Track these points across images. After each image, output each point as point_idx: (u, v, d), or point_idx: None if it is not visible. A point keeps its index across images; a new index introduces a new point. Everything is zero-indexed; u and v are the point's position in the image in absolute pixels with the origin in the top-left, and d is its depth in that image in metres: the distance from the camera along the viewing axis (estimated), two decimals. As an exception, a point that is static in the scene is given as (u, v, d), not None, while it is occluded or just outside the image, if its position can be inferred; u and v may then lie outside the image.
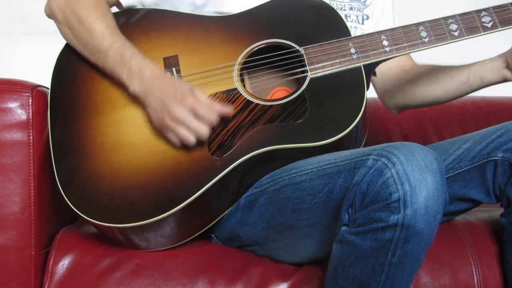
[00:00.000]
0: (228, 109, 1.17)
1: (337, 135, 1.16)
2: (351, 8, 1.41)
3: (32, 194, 1.18)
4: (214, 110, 1.16)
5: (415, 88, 1.43)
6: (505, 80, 1.31)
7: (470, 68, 1.33)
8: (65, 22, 1.26)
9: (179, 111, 1.14)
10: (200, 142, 1.17)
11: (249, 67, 1.27)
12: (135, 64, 1.19)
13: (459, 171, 1.26)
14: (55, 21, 1.29)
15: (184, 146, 1.18)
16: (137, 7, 1.32)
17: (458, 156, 1.27)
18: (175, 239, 1.23)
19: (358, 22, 1.41)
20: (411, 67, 1.47)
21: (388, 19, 1.47)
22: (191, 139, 1.15)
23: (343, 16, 1.28)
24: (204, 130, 1.15)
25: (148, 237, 1.19)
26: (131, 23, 1.28)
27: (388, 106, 1.55)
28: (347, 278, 1.06)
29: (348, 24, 1.27)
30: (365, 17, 1.42)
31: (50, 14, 1.29)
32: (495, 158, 1.22)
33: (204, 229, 1.25)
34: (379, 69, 1.46)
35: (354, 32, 1.27)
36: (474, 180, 1.26)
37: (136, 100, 1.21)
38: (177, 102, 1.14)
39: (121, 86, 1.23)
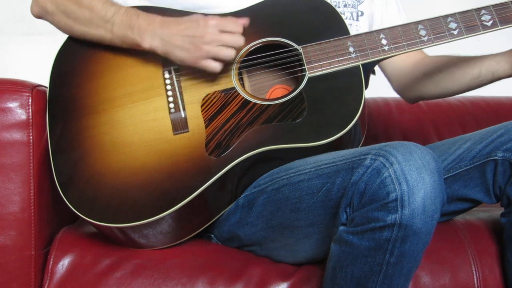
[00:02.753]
0: (245, 20, 1.20)
1: (335, 135, 1.16)
2: (345, 5, 1.40)
3: (32, 194, 1.18)
4: (236, 21, 1.18)
5: (429, 83, 1.43)
6: None
7: (481, 63, 1.33)
8: (60, 11, 1.26)
9: (211, 33, 1.16)
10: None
11: (248, 65, 1.27)
12: (142, 22, 1.20)
13: (459, 171, 1.26)
14: (46, 16, 1.29)
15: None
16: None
17: (458, 156, 1.27)
18: (175, 237, 1.23)
19: (353, 19, 1.41)
20: (423, 58, 1.47)
21: (393, 8, 1.47)
22: (232, 52, 1.18)
23: (336, 9, 1.28)
24: (239, 39, 1.18)
25: (147, 236, 1.19)
26: None
27: (404, 98, 1.55)
28: (345, 278, 1.06)
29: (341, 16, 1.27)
30: (359, 13, 1.42)
31: (40, 10, 1.29)
32: (495, 157, 1.22)
33: (203, 227, 1.25)
34: (391, 65, 1.47)
35: (349, 29, 1.26)
36: (474, 180, 1.25)
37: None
38: (203, 27, 1.16)
39: (120, 84, 1.23)
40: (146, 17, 1.21)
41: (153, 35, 1.19)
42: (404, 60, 1.46)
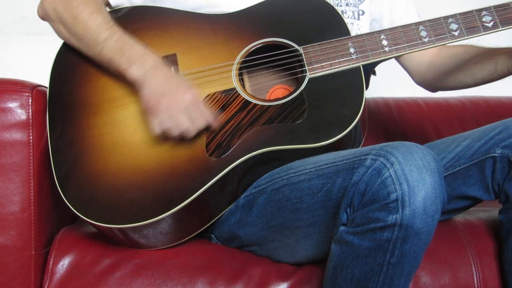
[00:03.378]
0: (215, 123, 1.19)
1: (336, 136, 1.16)
2: (347, 4, 1.41)
3: (32, 194, 1.18)
4: (205, 118, 1.17)
5: (448, 76, 1.44)
6: None
7: (497, 58, 1.33)
8: (59, 20, 1.26)
9: (177, 102, 1.15)
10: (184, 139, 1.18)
11: (248, 66, 1.26)
12: (136, 52, 1.19)
13: (458, 168, 1.26)
14: (48, 21, 1.29)
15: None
16: (127, 6, 1.31)
17: (457, 154, 1.27)
18: (175, 238, 1.23)
19: (354, 18, 1.41)
20: (439, 50, 1.46)
21: (401, 5, 1.47)
22: (174, 132, 1.16)
23: (339, 12, 1.27)
24: (191, 131, 1.16)
25: (147, 236, 1.19)
26: (129, 21, 1.27)
27: (427, 89, 1.55)
28: (346, 278, 1.06)
29: (345, 20, 1.27)
30: (360, 12, 1.42)
31: (44, 14, 1.29)
32: (494, 155, 1.22)
33: (203, 227, 1.25)
34: (409, 60, 1.47)
35: (350, 28, 1.26)
36: (473, 177, 1.26)
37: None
38: (178, 94, 1.15)
39: (120, 85, 1.23)
40: (140, 49, 1.20)
41: (141, 67, 1.18)
42: (422, 56, 1.46)
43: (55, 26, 1.28)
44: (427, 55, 1.46)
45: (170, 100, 1.15)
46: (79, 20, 1.23)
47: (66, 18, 1.24)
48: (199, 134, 1.19)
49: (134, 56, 1.19)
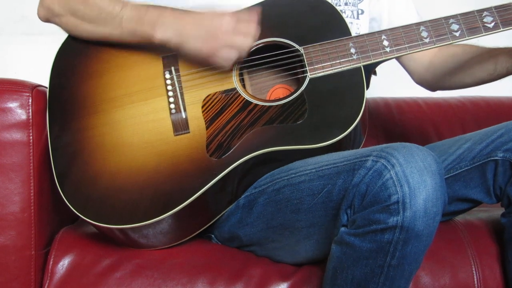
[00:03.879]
0: (256, 12, 1.20)
1: (336, 136, 1.16)
2: (346, 3, 1.40)
3: (32, 194, 1.18)
4: (248, 13, 1.19)
5: (447, 77, 1.44)
6: None
7: (496, 58, 1.33)
8: (67, 11, 1.25)
9: (227, 22, 1.15)
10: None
11: (249, 66, 1.26)
12: (153, 14, 1.19)
13: (459, 171, 1.26)
14: (53, 18, 1.28)
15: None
16: None
17: (458, 156, 1.27)
18: (175, 238, 1.23)
19: (353, 17, 1.41)
20: (438, 50, 1.46)
21: (400, 4, 1.47)
22: (249, 41, 1.17)
23: (338, 10, 1.27)
24: (254, 28, 1.18)
25: (147, 236, 1.19)
26: None
27: (427, 89, 1.55)
28: (346, 279, 1.06)
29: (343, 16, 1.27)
30: (360, 11, 1.42)
31: (46, 13, 1.28)
32: (496, 158, 1.22)
33: (204, 227, 1.25)
34: (409, 61, 1.48)
35: (350, 28, 1.26)
36: (475, 180, 1.26)
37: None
38: (219, 18, 1.16)
39: (120, 85, 1.23)
40: (156, 9, 1.20)
41: (165, 26, 1.18)
42: (422, 56, 1.46)
43: (62, 21, 1.27)
44: (427, 55, 1.46)
45: (217, 35, 1.16)
46: (89, 1, 1.23)
47: (75, 5, 1.24)
48: (200, 134, 1.19)
49: (154, 19, 1.18)
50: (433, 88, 1.53)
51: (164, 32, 1.18)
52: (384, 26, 1.44)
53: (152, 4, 1.21)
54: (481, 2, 1.28)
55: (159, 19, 1.18)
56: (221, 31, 1.16)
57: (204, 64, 1.21)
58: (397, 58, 1.49)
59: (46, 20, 1.30)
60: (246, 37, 1.17)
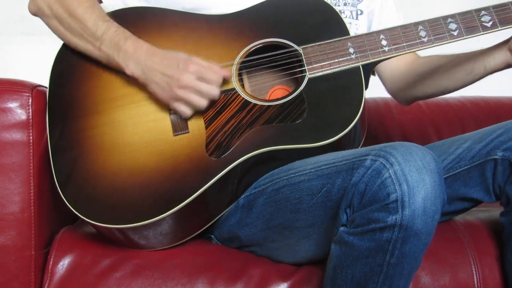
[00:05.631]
0: (227, 72, 1.20)
1: (335, 135, 1.16)
2: (345, 4, 1.41)
3: (32, 194, 1.18)
4: (217, 71, 1.18)
5: (423, 81, 1.43)
6: (507, 66, 1.29)
7: (474, 58, 1.32)
8: (54, 16, 1.26)
9: (187, 78, 1.16)
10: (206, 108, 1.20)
11: (248, 66, 1.26)
12: (129, 46, 1.20)
13: (459, 170, 1.26)
14: (42, 17, 1.29)
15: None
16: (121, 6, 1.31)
17: (457, 155, 1.27)
18: (175, 238, 1.23)
19: (352, 18, 1.41)
20: (415, 58, 1.47)
21: (391, 6, 1.47)
22: (203, 102, 1.18)
23: (336, 10, 1.28)
24: (215, 91, 1.18)
25: (147, 236, 1.19)
26: (128, 22, 1.27)
27: (398, 100, 1.55)
28: (346, 279, 1.06)
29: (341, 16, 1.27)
30: (359, 12, 1.42)
31: (36, 10, 1.29)
32: (495, 157, 1.22)
33: (203, 228, 1.25)
34: (385, 67, 1.47)
35: (348, 28, 1.26)
36: (474, 179, 1.26)
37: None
38: (181, 71, 1.16)
39: (120, 85, 1.23)
40: (133, 42, 1.20)
41: (136, 64, 1.19)
42: (398, 62, 1.46)
43: (49, 22, 1.28)
44: (403, 62, 1.46)
45: (181, 81, 1.16)
46: (75, 16, 1.23)
47: (62, 14, 1.24)
48: (200, 133, 1.19)
49: (129, 52, 1.19)
50: (405, 98, 1.52)
51: (133, 69, 1.19)
52: (375, 25, 1.44)
53: (131, 35, 1.22)
54: (479, 2, 1.28)
55: (133, 56, 1.19)
56: (178, 85, 1.16)
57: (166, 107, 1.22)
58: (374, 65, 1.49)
59: (35, 15, 1.31)
60: (202, 97, 1.18)
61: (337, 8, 1.34)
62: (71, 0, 1.24)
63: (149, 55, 1.19)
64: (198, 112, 1.21)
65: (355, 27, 1.40)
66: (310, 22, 1.26)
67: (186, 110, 1.19)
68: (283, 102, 1.20)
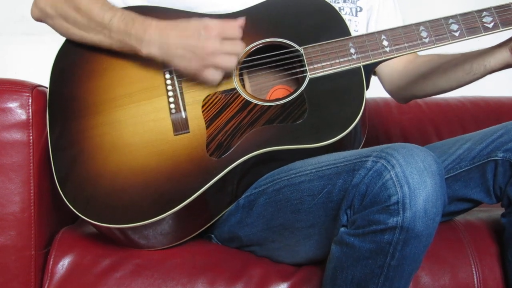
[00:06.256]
0: (241, 21, 1.19)
1: (336, 136, 1.16)
2: (344, 1, 1.41)
3: (32, 194, 1.18)
4: (234, 25, 1.18)
5: (421, 81, 1.43)
6: (507, 66, 1.29)
7: (473, 57, 1.32)
8: (59, 15, 1.25)
9: (212, 44, 1.15)
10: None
11: (249, 66, 1.26)
12: (138, 28, 1.19)
13: (459, 171, 1.26)
14: (46, 19, 1.29)
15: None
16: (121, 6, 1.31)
17: (458, 156, 1.27)
18: (175, 238, 1.23)
19: (352, 15, 1.41)
20: (414, 57, 1.47)
21: (389, 5, 1.47)
22: (234, 61, 1.18)
23: (337, 10, 1.28)
24: (240, 46, 1.18)
25: (147, 236, 1.19)
26: None
27: (396, 98, 1.55)
28: (346, 280, 1.06)
29: (345, 20, 1.27)
30: (358, 9, 1.42)
31: (40, 14, 1.29)
32: (496, 158, 1.22)
33: (204, 228, 1.25)
34: (383, 65, 1.47)
35: (348, 25, 1.26)
36: (474, 180, 1.26)
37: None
38: (205, 38, 1.15)
39: (121, 84, 1.23)
40: (141, 23, 1.20)
41: (150, 43, 1.18)
42: (397, 61, 1.46)
43: (54, 23, 1.27)
44: (402, 61, 1.46)
45: (205, 48, 1.15)
46: (80, 9, 1.23)
47: (67, 10, 1.24)
48: (200, 133, 1.19)
49: (139, 34, 1.18)
50: (403, 96, 1.52)
51: (149, 49, 1.18)
52: (372, 23, 1.44)
53: (137, 16, 1.21)
54: (481, 2, 1.28)
55: (144, 35, 1.18)
56: (206, 52, 1.16)
57: (193, 79, 1.22)
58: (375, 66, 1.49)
59: (39, 20, 1.31)
60: (231, 57, 1.17)
61: (336, 5, 1.34)
62: None
63: (161, 30, 1.18)
64: (198, 112, 1.21)
65: (355, 24, 1.40)
66: (311, 22, 1.26)
67: (216, 75, 1.18)
68: (284, 102, 1.20)
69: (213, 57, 1.16)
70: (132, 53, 1.22)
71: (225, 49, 1.16)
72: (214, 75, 1.18)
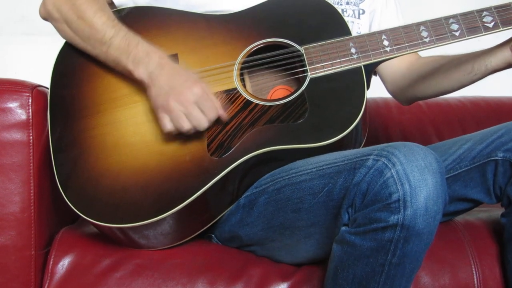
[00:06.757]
0: (225, 115, 1.18)
1: (337, 136, 1.16)
2: (347, 3, 1.41)
3: (32, 194, 1.18)
4: (217, 107, 1.16)
5: (423, 81, 1.43)
6: (508, 65, 1.29)
7: (474, 58, 1.32)
8: (63, 20, 1.25)
9: (186, 96, 1.14)
10: (194, 135, 1.17)
11: (250, 66, 1.26)
12: (141, 50, 1.19)
13: (460, 171, 1.26)
14: (51, 21, 1.29)
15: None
16: (130, 6, 1.31)
17: (458, 156, 1.27)
18: (175, 238, 1.23)
19: (355, 17, 1.41)
20: (417, 59, 1.48)
21: (392, 8, 1.47)
22: (188, 127, 1.15)
23: (340, 12, 1.28)
24: (204, 123, 1.15)
25: (148, 236, 1.19)
26: (130, 21, 1.26)
27: (399, 100, 1.55)
28: (347, 278, 1.06)
29: (345, 19, 1.27)
30: (361, 11, 1.42)
31: (46, 14, 1.29)
32: (496, 158, 1.22)
33: (204, 228, 1.25)
34: (386, 67, 1.47)
35: (350, 27, 1.27)
36: (475, 180, 1.26)
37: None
38: (185, 87, 1.15)
39: (122, 84, 1.23)
40: (145, 47, 1.19)
41: (145, 68, 1.18)
42: (399, 62, 1.46)
43: (58, 26, 1.28)
44: (404, 62, 1.47)
45: (179, 95, 1.14)
46: (84, 19, 1.23)
47: (71, 17, 1.24)
48: (200, 132, 1.18)
49: (140, 56, 1.18)
50: (406, 98, 1.52)
51: (142, 73, 1.18)
52: (375, 26, 1.45)
53: (143, 40, 1.21)
54: (481, 2, 1.28)
55: (144, 60, 1.18)
56: (175, 98, 1.14)
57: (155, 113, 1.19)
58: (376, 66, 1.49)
59: (45, 19, 1.31)
60: (186, 122, 1.15)
61: (339, 7, 1.34)
62: (80, 3, 1.23)
63: (161, 62, 1.18)
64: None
65: (357, 26, 1.41)
66: (312, 22, 1.27)
67: (168, 124, 1.16)
68: (285, 102, 1.20)
69: (177, 106, 1.14)
70: (123, 72, 1.21)
71: (192, 110, 1.14)
72: (165, 122, 1.15)
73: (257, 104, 1.21)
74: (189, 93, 1.14)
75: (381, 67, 1.49)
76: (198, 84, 1.16)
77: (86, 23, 1.22)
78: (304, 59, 1.23)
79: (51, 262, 1.19)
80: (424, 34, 1.23)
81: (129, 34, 1.21)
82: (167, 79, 1.16)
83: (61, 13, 1.25)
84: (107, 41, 1.20)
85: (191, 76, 1.18)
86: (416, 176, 0.99)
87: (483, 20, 1.23)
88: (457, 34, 1.23)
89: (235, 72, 1.23)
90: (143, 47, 1.19)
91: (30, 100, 1.20)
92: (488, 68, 1.30)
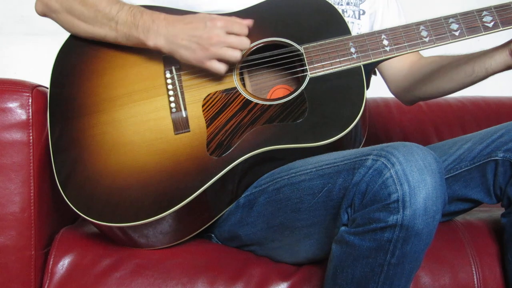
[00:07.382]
0: (250, 21, 1.20)
1: (336, 135, 1.16)
2: (348, 3, 1.41)
3: (32, 194, 1.18)
4: (241, 22, 1.19)
5: (425, 83, 1.43)
6: (508, 68, 1.29)
7: (474, 59, 1.32)
8: (64, 9, 1.26)
9: (217, 35, 1.16)
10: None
11: (249, 65, 1.27)
12: (146, 20, 1.20)
13: (460, 171, 1.26)
14: (51, 14, 1.29)
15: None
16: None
17: (458, 156, 1.27)
18: (175, 237, 1.23)
19: (355, 17, 1.41)
20: (418, 59, 1.48)
21: (393, 8, 1.48)
22: (238, 54, 1.18)
23: (340, 12, 1.28)
24: (245, 41, 1.18)
25: (147, 235, 1.19)
26: None
27: (401, 100, 1.55)
28: (346, 278, 1.06)
29: (345, 19, 1.27)
30: (361, 12, 1.42)
31: (44, 8, 1.29)
32: (496, 158, 1.22)
33: (204, 227, 1.25)
34: (388, 67, 1.47)
35: (351, 27, 1.27)
36: (475, 180, 1.26)
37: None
38: (210, 29, 1.16)
39: (122, 84, 1.23)
40: (150, 15, 1.21)
41: (157, 34, 1.19)
42: (401, 62, 1.47)
43: (60, 17, 1.28)
44: (406, 63, 1.47)
45: (211, 39, 1.17)
46: (87, 1, 1.24)
47: (73, 4, 1.25)
48: (201, 132, 1.19)
49: (147, 24, 1.20)
50: (408, 99, 1.53)
51: (156, 40, 1.19)
52: (377, 27, 1.45)
53: (146, 9, 1.22)
54: (481, 2, 1.28)
55: (152, 26, 1.19)
56: (210, 43, 1.17)
57: (195, 68, 1.23)
58: (377, 67, 1.49)
59: (43, 15, 1.31)
60: (235, 50, 1.18)
61: (340, 7, 1.34)
62: None
63: (169, 22, 1.19)
64: (199, 111, 1.21)
65: (358, 27, 1.41)
66: (312, 21, 1.27)
67: (221, 66, 1.19)
68: (284, 102, 1.21)
69: (217, 48, 1.17)
70: (138, 45, 1.22)
71: (230, 41, 1.17)
72: (217, 66, 1.19)
73: (256, 104, 1.21)
74: (216, 30, 1.16)
75: (383, 68, 1.49)
76: (216, 19, 1.17)
77: (89, 5, 1.23)
78: (303, 59, 1.23)
79: (51, 262, 1.19)
80: (424, 33, 1.23)
81: (132, 6, 1.23)
82: (188, 33, 1.18)
83: (61, 3, 1.26)
84: (114, 17, 1.21)
85: (203, 16, 1.19)
86: (415, 176, 0.99)
87: (483, 20, 1.23)
88: (457, 33, 1.23)
89: (235, 72, 1.24)
90: (147, 15, 1.21)
91: (30, 100, 1.20)
92: (488, 70, 1.30)
